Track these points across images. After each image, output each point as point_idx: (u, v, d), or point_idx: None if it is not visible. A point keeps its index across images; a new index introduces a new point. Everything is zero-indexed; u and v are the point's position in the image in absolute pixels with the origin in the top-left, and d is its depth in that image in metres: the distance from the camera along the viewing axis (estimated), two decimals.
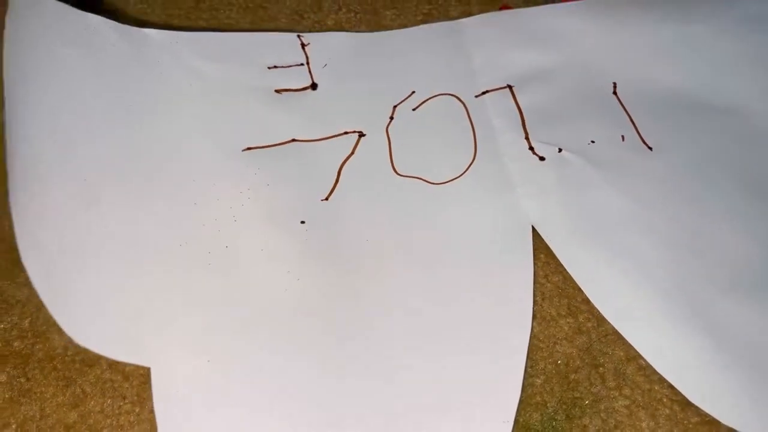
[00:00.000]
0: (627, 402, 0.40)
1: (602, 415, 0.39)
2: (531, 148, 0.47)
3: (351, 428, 0.38)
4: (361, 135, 0.48)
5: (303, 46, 0.51)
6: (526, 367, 0.40)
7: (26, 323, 0.42)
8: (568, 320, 0.42)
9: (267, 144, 0.47)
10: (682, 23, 0.52)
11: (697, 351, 0.39)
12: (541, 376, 0.40)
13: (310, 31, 0.53)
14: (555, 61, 0.51)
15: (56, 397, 0.39)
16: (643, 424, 0.39)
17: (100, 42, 0.48)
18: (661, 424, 0.39)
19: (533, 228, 0.44)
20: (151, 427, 0.38)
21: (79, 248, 0.42)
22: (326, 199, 0.45)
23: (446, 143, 0.48)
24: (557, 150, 0.47)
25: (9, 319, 0.42)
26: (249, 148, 0.47)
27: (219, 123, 0.47)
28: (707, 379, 0.39)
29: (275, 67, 0.50)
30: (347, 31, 0.54)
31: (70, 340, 0.40)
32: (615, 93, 0.50)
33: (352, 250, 0.43)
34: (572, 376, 0.40)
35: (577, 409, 0.39)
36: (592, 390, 0.40)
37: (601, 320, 0.42)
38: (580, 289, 0.43)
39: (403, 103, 0.50)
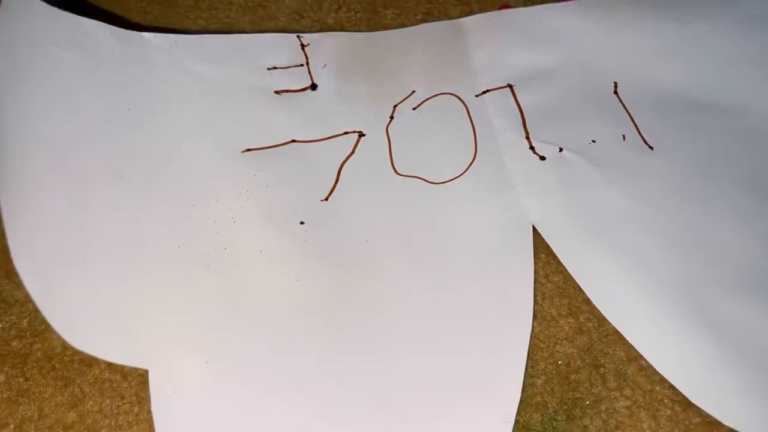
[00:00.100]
0: (628, 402, 0.39)
1: (603, 415, 0.39)
2: (532, 148, 0.47)
3: (351, 428, 0.38)
4: (361, 135, 0.48)
5: (302, 46, 0.51)
6: (526, 367, 0.40)
7: (25, 323, 0.42)
8: (568, 320, 0.42)
9: (267, 145, 0.47)
10: (682, 23, 0.52)
11: (698, 351, 0.39)
12: (542, 377, 0.40)
13: (309, 31, 0.53)
14: (555, 60, 0.51)
15: (55, 397, 0.39)
16: (644, 425, 0.39)
17: (97, 46, 0.48)
18: (662, 425, 0.39)
19: (534, 227, 0.44)
20: (150, 427, 0.38)
21: (75, 250, 0.42)
22: (326, 199, 0.45)
23: (446, 143, 0.48)
24: (558, 149, 0.47)
25: (7, 318, 0.42)
26: (248, 149, 0.47)
27: (218, 124, 0.47)
28: (709, 379, 0.39)
29: (275, 68, 0.50)
30: (347, 30, 0.54)
31: None
32: (616, 92, 0.50)
33: (352, 251, 0.43)
34: (573, 377, 0.40)
35: (577, 410, 0.39)
36: (592, 390, 0.40)
37: (601, 320, 0.42)
38: (580, 289, 0.43)
39: (403, 103, 0.50)
